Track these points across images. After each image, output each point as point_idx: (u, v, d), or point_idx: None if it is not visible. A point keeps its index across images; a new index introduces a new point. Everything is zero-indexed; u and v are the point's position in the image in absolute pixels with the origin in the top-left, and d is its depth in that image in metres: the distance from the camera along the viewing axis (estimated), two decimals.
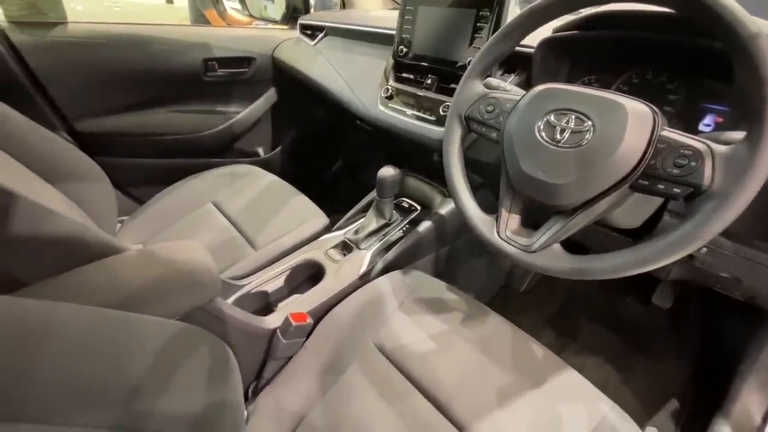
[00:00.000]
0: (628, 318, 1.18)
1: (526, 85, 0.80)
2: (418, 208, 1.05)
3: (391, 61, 1.00)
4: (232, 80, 1.37)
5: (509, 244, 0.58)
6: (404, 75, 0.97)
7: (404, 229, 0.98)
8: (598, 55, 0.77)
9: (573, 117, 0.51)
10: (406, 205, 1.06)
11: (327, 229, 1.03)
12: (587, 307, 1.23)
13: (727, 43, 0.42)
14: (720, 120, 0.65)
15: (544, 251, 0.54)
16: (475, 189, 0.66)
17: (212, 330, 0.65)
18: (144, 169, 1.35)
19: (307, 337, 0.76)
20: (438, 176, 1.04)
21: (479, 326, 0.76)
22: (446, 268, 1.07)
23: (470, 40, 0.81)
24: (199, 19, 2.41)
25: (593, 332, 1.16)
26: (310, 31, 1.37)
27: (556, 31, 0.76)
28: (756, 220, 0.56)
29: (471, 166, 0.69)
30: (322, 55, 1.26)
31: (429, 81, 0.91)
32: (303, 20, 1.40)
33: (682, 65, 0.68)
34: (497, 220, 0.60)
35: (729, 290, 0.72)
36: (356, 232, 0.97)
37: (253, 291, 0.85)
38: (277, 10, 1.55)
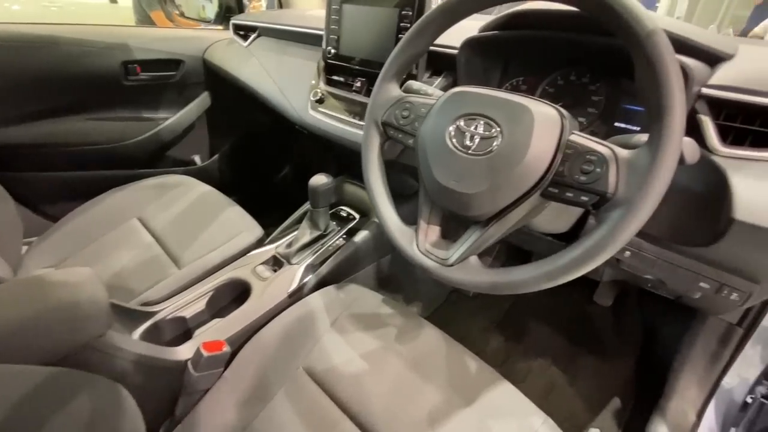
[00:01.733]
0: (573, 317, 1.19)
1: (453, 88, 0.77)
2: (357, 216, 1.00)
3: (322, 63, 0.94)
4: (158, 84, 1.27)
5: (428, 257, 0.54)
6: (334, 77, 0.92)
7: (341, 239, 0.93)
8: (527, 56, 0.75)
9: (482, 122, 0.48)
10: (345, 214, 1.00)
11: (260, 243, 0.96)
12: (535, 308, 1.23)
13: (626, 41, 0.40)
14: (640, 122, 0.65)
15: (461, 265, 0.51)
16: (411, 196, 0.62)
17: (104, 369, 0.58)
18: (58, 183, 1.22)
19: (227, 367, 0.69)
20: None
21: (415, 341, 0.72)
22: (389, 279, 1.03)
23: (395, 40, 0.77)
24: (145, 20, 2.26)
25: (540, 334, 1.16)
26: (243, 32, 1.30)
27: (481, 31, 0.74)
28: (672, 224, 0.55)
29: (411, 172, 0.66)
30: (254, 57, 1.19)
31: (359, 84, 0.87)
32: (236, 20, 1.32)
33: (603, 66, 0.67)
34: (416, 231, 0.56)
35: (658, 290, 0.72)
36: (289, 245, 0.91)
37: (169, 317, 0.77)
38: (213, 9, 1.46)
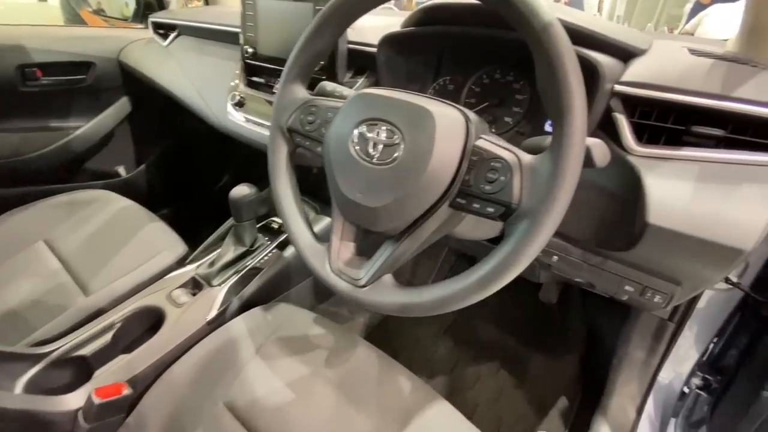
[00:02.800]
0: (521, 317, 1.18)
1: None
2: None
3: (241, 64, 0.87)
4: (65, 90, 1.13)
5: (340, 278, 0.49)
6: (255, 79, 0.85)
7: (270, 255, 0.85)
8: (454, 54, 0.72)
9: (384, 128, 0.43)
10: (276, 226, 0.93)
11: (181, 263, 0.87)
12: (483, 309, 1.21)
13: (524, 35, 0.36)
14: None
15: (374, 285, 0.46)
16: None
17: None
18: None
19: (130, 412, 0.61)
20: (312, 191, 0.94)
21: (347, 363, 0.67)
22: (326, 295, 0.97)
23: None
24: (75, 19, 2.08)
25: (489, 336, 1.14)
26: (163, 31, 1.19)
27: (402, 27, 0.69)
28: (593, 227, 0.53)
29: None
30: (173, 58, 1.09)
31: (277, 86, 0.80)
32: (155, 18, 1.21)
33: (525, 63, 0.64)
34: (329, 249, 0.50)
35: (593, 290, 0.71)
36: (211, 264, 0.82)
37: (65, 358, 0.67)
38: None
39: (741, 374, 0.71)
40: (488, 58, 0.69)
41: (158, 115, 1.32)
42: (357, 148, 0.45)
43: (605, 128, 0.51)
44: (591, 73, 0.48)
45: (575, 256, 0.57)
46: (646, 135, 0.49)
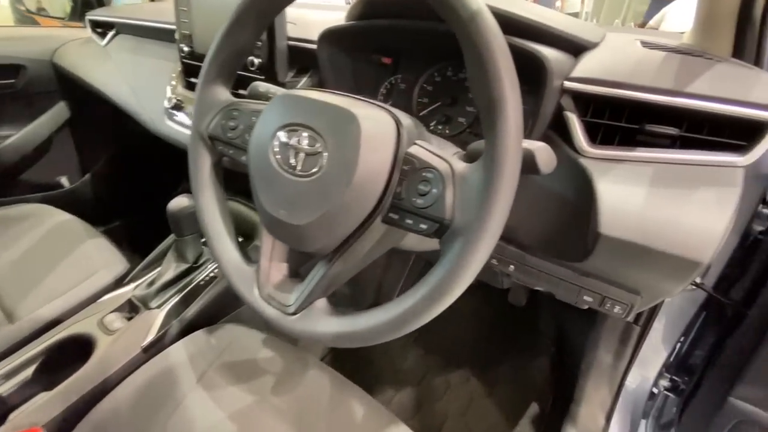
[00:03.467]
0: (491, 321, 1.15)
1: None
2: (239, 240, 0.87)
3: (180, 64, 0.80)
4: None
5: (269, 304, 0.43)
6: (194, 80, 0.78)
7: (216, 271, 0.79)
8: (404, 51, 0.67)
9: (306, 135, 0.38)
10: None
11: (118, 284, 0.80)
12: (453, 314, 1.17)
13: (452, 27, 0.32)
14: None
15: (305, 312, 0.41)
16: None
17: None
18: None
19: None
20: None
21: (297, 388, 0.61)
22: None
23: None
24: (25, 20, 1.94)
25: (458, 343, 1.11)
26: (102, 30, 1.10)
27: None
28: (546, 235, 0.50)
29: None
30: (110, 59, 1.01)
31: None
32: (92, 16, 1.12)
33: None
34: (257, 272, 0.45)
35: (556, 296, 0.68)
36: (150, 284, 0.75)
37: None
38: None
39: (708, 376, 0.69)
40: (440, 55, 0.64)
41: (102, 120, 1.22)
42: (278, 157, 0.39)
43: (558, 129, 0.47)
44: (538, 69, 0.44)
45: (532, 265, 0.53)
46: (600, 135, 0.46)
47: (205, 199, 0.48)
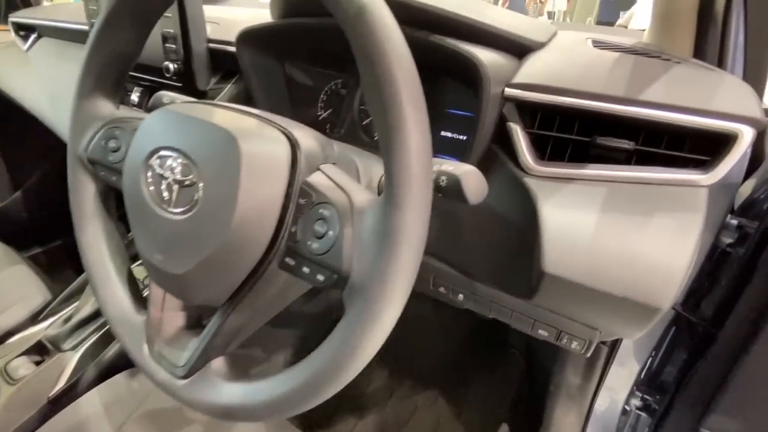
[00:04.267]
0: (461, 334, 1.09)
1: (246, 99, 0.59)
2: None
3: None
4: None
5: (159, 363, 0.36)
6: None
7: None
8: (340, 52, 0.60)
9: (179, 161, 0.30)
10: None
11: (34, 319, 0.70)
12: (422, 329, 1.11)
13: (341, 26, 0.25)
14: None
15: (199, 375, 0.34)
16: None
17: None
18: None
19: None
20: None
21: None
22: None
23: (161, 32, 0.57)
24: None
25: (426, 361, 1.04)
26: (25, 32, 0.99)
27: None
28: (492, 265, 0.43)
29: None
30: (30, 65, 0.91)
31: (136, 97, 0.65)
32: (15, 17, 1.01)
33: (420, 62, 0.54)
34: (146, 323, 0.37)
35: None
36: (66, 320, 0.66)
37: None
38: None
39: (679, 399, 0.64)
40: None
41: (34, 132, 1.11)
42: (152, 189, 0.32)
43: (503, 142, 0.41)
44: (473, 75, 0.38)
45: (481, 294, 0.47)
46: (549, 148, 0.40)
47: (87, 235, 0.40)
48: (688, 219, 0.32)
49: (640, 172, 0.35)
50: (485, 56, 0.38)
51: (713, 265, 0.59)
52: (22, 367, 0.61)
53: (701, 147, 0.34)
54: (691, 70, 0.38)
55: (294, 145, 0.30)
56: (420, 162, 0.23)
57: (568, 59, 0.40)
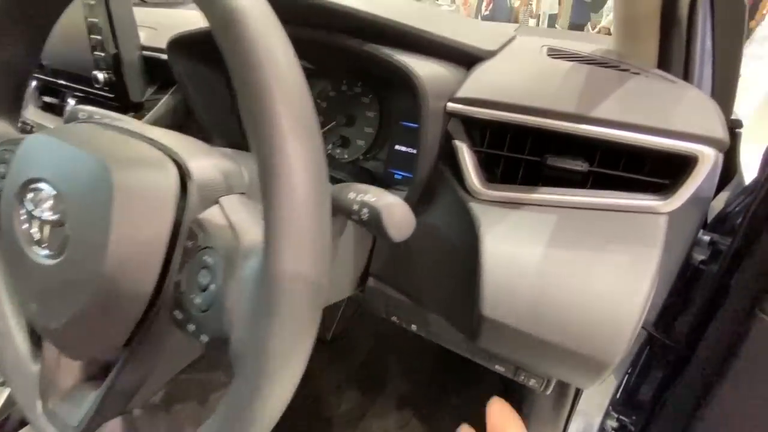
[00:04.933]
0: (436, 357, 1.05)
1: (185, 112, 0.54)
2: None
3: (33, 81, 0.66)
4: None
5: (52, 423, 0.31)
6: (49, 100, 0.64)
7: None
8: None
9: (50, 196, 0.26)
10: None
11: None
12: (396, 348, 1.07)
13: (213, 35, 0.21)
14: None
15: None
16: None
17: None
18: None
19: None
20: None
21: None
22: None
23: (89, 39, 0.52)
24: None
25: (400, 381, 1.00)
26: None
27: None
28: (440, 295, 0.39)
29: None
30: None
31: (69, 107, 0.60)
32: None
33: (370, 71, 0.50)
34: (41, 372, 0.33)
35: None
36: None
37: None
38: None
39: (657, 418, 0.61)
40: (333, 65, 0.53)
41: None
42: (24, 227, 0.27)
43: (451, 161, 0.37)
44: (411, 88, 0.34)
45: (434, 326, 0.43)
46: (500, 169, 0.36)
47: None
48: (644, 254, 0.28)
49: (595, 197, 0.31)
50: (423, 68, 0.33)
51: (686, 283, 0.56)
52: None
53: (661, 169, 0.31)
54: (650, 83, 0.34)
55: (185, 175, 0.25)
56: (306, 203, 0.19)
57: (518, 70, 0.36)
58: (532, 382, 0.39)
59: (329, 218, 0.20)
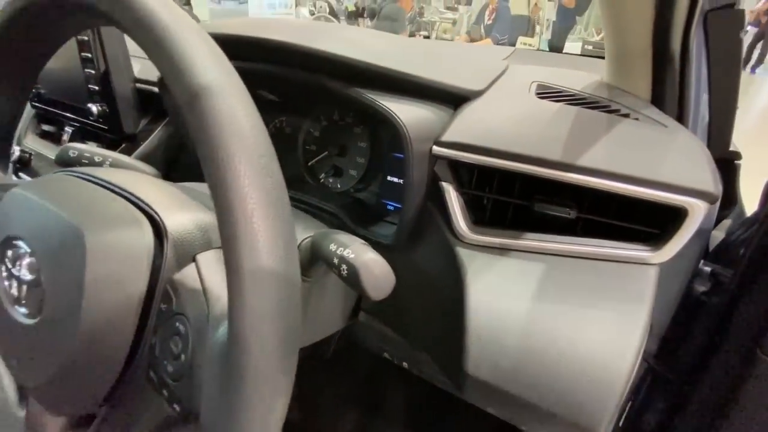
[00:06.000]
0: None
1: (179, 142, 0.54)
2: None
3: (31, 109, 0.67)
4: None
5: None
6: (46, 128, 0.65)
7: None
8: (282, 90, 0.56)
9: (27, 256, 0.26)
10: None
11: None
12: (395, 367, 1.06)
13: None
14: None
15: None
16: None
17: None
18: None
19: None
20: None
21: None
22: None
23: (82, 74, 0.53)
24: None
25: (401, 401, 0.99)
26: None
27: None
28: (429, 339, 0.39)
29: None
30: None
31: (67, 136, 0.61)
32: None
33: (345, 108, 0.50)
34: (27, 421, 0.32)
35: None
36: None
37: None
38: None
39: None
40: (321, 98, 0.53)
41: None
42: (5, 284, 0.27)
43: (438, 201, 0.37)
44: (395, 131, 0.33)
45: (424, 364, 0.42)
46: (488, 210, 0.36)
47: None
48: (632, 311, 0.28)
49: (583, 246, 0.31)
50: (406, 112, 0.33)
51: (687, 314, 0.55)
52: None
53: (651, 217, 0.30)
54: (639, 128, 0.33)
55: (161, 232, 0.25)
56: (268, 294, 0.18)
57: (505, 112, 0.35)
58: (525, 428, 0.38)
59: (295, 278, 0.19)
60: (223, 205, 0.18)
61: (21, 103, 0.35)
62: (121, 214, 0.26)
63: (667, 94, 0.40)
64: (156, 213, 0.26)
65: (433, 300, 0.36)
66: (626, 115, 0.34)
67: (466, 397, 0.32)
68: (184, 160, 0.59)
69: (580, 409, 0.26)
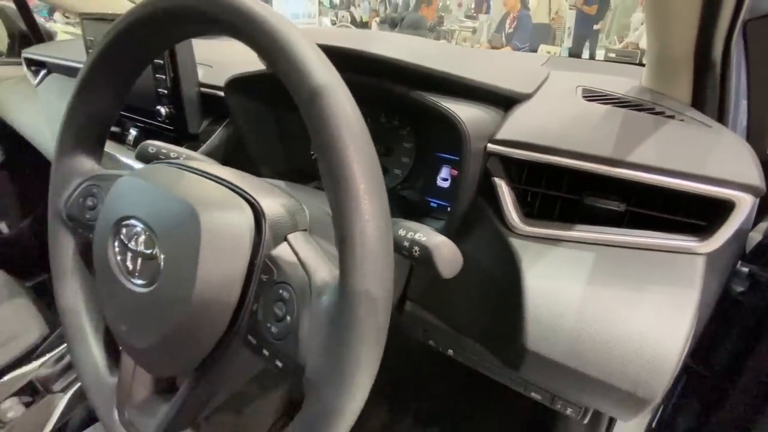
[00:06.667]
0: (463, 377, 1.05)
1: (237, 142, 0.59)
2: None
3: None
4: None
5: (127, 429, 0.35)
6: (114, 129, 0.71)
7: None
8: None
9: (143, 232, 0.30)
10: None
11: (30, 354, 0.70)
12: (422, 365, 1.07)
13: (299, 108, 0.24)
14: (456, 173, 0.51)
15: None
16: None
17: None
18: None
19: None
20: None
21: None
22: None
23: (153, 79, 0.58)
24: None
25: (425, 401, 1.01)
26: (36, 68, 1.03)
27: None
28: (481, 327, 0.41)
29: None
30: (39, 100, 0.93)
31: (131, 136, 0.66)
32: (27, 53, 1.05)
33: (407, 106, 0.53)
34: (117, 385, 0.36)
35: None
36: (58, 359, 0.66)
37: None
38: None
39: None
40: (371, 100, 0.57)
41: (43, 163, 1.14)
42: (119, 258, 0.31)
43: (490, 195, 0.39)
44: (454, 130, 0.37)
45: (471, 351, 0.44)
46: (537, 204, 0.38)
47: (65, 291, 0.40)
48: (683, 295, 0.30)
49: (632, 236, 0.33)
50: (465, 112, 0.36)
51: (724, 313, 0.56)
52: (12, 409, 0.61)
53: (698, 211, 0.32)
54: (685, 128, 0.36)
55: (260, 216, 0.29)
56: (375, 259, 0.22)
57: (554, 113, 0.38)
58: (569, 411, 0.40)
59: (392, 249, 0.23)
60: (337, 186, 0.22)
61: (122, 102, 0.39)
62: (226, 198, 0.30)
63: (707, 98, 0.42)
64: (254, 199, 0.30)
65: (484, 287, 0.39)
66: (671, 117, 0.36)
67: (522, 373, 0.35)
68: (237, 158, 0.63)
69: (636, 381, 0.29)
